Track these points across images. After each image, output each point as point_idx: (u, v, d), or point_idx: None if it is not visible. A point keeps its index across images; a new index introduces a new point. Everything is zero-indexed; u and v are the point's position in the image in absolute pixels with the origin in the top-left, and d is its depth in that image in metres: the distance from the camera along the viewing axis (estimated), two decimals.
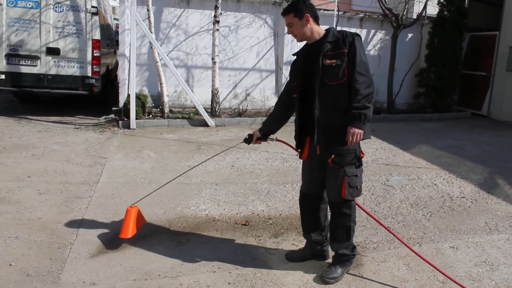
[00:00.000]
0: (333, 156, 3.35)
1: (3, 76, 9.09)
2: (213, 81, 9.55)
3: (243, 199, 5.17)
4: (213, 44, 9.46)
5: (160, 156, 6.79)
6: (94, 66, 9.39)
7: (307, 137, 3.54)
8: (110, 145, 7.37)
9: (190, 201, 5.03)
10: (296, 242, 4.13)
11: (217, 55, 9.54)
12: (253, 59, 11.05)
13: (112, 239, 4.07)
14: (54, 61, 9.26)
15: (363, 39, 11.59)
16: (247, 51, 10.96)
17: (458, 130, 9.84)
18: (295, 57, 3.63)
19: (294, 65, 3.62)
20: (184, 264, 3.69)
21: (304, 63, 3.47)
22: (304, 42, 3.55)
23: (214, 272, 3.58)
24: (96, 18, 9.29)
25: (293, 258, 3.79)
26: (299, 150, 3.67)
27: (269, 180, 5.83)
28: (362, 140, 3.29)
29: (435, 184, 5.89)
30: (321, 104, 3.32)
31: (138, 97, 9.01)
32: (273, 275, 3.55)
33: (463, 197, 5.50)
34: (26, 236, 4.05)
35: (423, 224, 4.70)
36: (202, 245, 4.02)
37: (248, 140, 3.89)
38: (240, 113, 10.04)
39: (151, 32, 8.99)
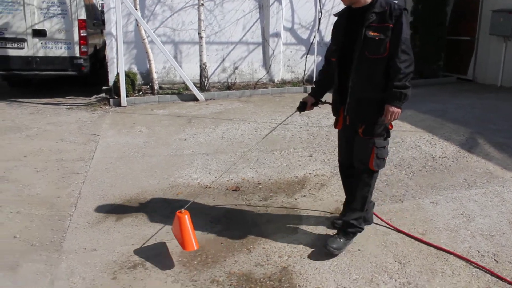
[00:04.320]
0: (363, 126, 3.36)
1: None
2: (200, 56, 9.64)
3: (233, 167, 5.37)
4: (199, 19, 9.52)
5: (152, 131, 6.96)
6: (81, 46, 9.44)
7: (342, 106, 3.48)
8: (103, 123, 7.52)
9: (183, 171, 5.23)
10: (285, 204, 4.35)
11: (204, 30, 9.61)
12: (240, 33, 11.12)
13: (110, 209, 4.28)
14: (41, 43, 9.30)
15: (338, 8, 11.72)
16: (233, 24, 11.02)
17: (443, 94, 10.03)
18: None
19: (335, 28, 3.52)
20: None
21: (346, 28, 3.38)
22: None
23: (207, 233, 3.80)
24: None
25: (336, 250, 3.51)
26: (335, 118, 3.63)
27: (258, 148, 6.03)
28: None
29: (419, 146, 6.11)
30: (358, 76, 3.28)
31: (127, 75, 9.12)
32: (262, 234, 3.78)
33: (445, 156, 5.73)
34: (27, 211, 4.24)
35: (405, 182, 4.93)
36: (196, 210, 4.20)
37: (302, 107, 3.74)
38: (229, 86, 10.17)
39: (136, 9, 9.03)
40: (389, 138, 3.48)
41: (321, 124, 7.19)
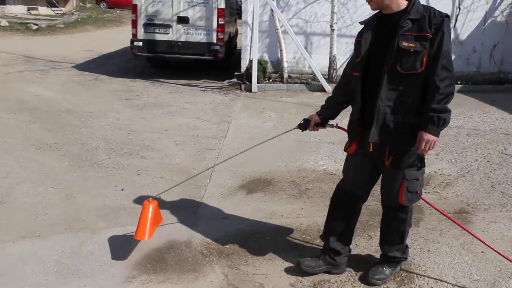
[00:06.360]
0: (391, 157, 2.82)
1: (140, 43, 10.16)
2: (331, 48, 9.76)
3: None
4: (332, 12, 9.62)
5: (281, 117, 7.28)
6: (218, 33, 10.08)
7: (359, 127, 2.94)
8: (234, 106, 8.02)
9: (309, 157, 5.45)
10: None
11: (336, 23, 9.69)
12: None
13: (241, 184, 4.64)
14: (184, 29, 10.11)
15: (489, 4, 11.01)
16: (365, 18, 10.93)
17: None
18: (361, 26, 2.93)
19: (360, 37, 2.87)
20: (304, 208, 4.13)
21: (374, 37, 2.81)
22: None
23: None
24: None
25: (308, 267, 3.19)
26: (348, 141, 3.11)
27: None
28: None
29: None
30: (387, 95, 2.72)
31: (259, 62, 9.55)
32: None
33: None
34: (169, 177, 4.76)
35: None
36: (320, 194, 4.43)
37: (304, 125, 3.30)
38: None
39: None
40: (424, 168, 2.94)
41: (450, 125, 6.95)
